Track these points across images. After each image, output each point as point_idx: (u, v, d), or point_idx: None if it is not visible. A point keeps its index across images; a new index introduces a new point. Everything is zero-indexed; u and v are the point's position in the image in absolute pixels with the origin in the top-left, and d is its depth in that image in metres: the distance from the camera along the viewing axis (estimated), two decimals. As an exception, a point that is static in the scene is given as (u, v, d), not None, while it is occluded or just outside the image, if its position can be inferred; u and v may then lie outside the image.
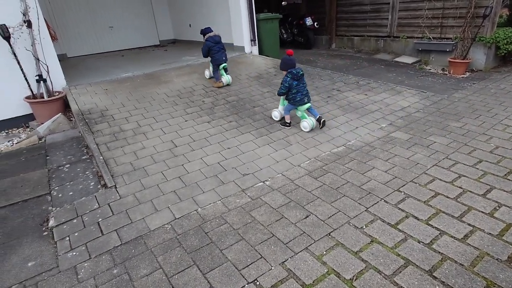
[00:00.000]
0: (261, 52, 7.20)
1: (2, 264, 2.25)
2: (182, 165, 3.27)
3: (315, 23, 8.95)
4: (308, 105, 3.87)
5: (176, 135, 3.83)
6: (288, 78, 3.72)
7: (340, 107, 4.52)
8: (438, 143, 3.45)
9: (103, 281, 2.04)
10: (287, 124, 3.96)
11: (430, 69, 6.63)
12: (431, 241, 2.14)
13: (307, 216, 2.47)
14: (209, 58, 5.31)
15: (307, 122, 3.83)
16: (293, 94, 3.75)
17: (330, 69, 6.54)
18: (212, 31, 5.22)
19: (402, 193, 2.67)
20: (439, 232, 2.21)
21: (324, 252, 2.12)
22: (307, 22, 8.89)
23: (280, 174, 3.09)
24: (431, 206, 2.48)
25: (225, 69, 5.33)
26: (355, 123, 4.05)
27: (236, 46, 7.27)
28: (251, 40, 6.93)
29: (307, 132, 3.86)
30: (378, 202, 2.58)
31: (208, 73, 5.60)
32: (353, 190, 2.76)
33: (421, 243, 2.13)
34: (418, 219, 2.35)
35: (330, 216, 2.45)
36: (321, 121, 3.83)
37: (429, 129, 3.78)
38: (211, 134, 3.83)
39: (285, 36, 9.77)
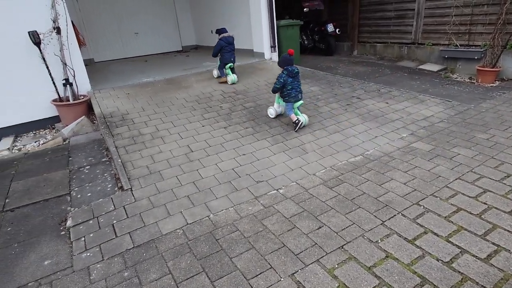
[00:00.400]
0: (281, 58, 7.19)
1: (21, 261, 2.34)
2: (197, 170, 3.29)
3: (337, 30, 8.84)
4: (301, 102, 4.07)
5: (192, 140, 3.87)
6: (284, 74, 3.93)
7: (360, 115, 4.42)
8: (462, 155, 3.29)
9: (114, 284, 2.06)
10: (296, 122, 4.01)
11: (456, 78, 6.38)
12: (451, 259, 2.02)
13: (320, 227, 2.41)
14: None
15: (299, 119, 4.03)
16: (288, 91, 3.96)
17: (350, 76, 6.44)
18: (227, 32, 5.50)
19: (422, 207, 2.56)
20: (460, 250, 2.09)
21: (336, 266, 2.05)
22: (328, 29, 8.81)
23: (294, 183, 3.04)
24: (452, 222, 2.36)
25: (232, 69, 5.65)
26: (375, 132, 3.94)
27: (256, 52, 7.30)
28: (271, 47, 6.94)
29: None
30: (395, 215, 2.48)
31: (216, 72, 5.94)
32: (369, 202, 2.67)
33: (440, 261, 2.02)
34: (437, 236, 2.23)
35: (344, 228, 2.38)
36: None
37: (453, 140, 3.62)
38: (227, 140, 3.84)
39: (306, 42, 9.72)
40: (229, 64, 5.53)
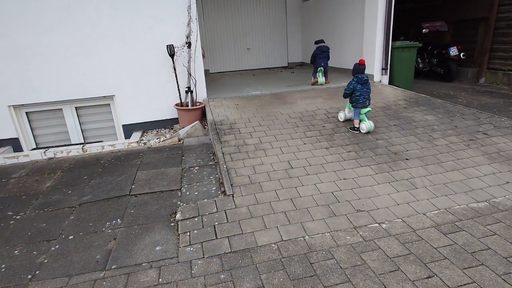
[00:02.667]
0: (391, 81, 6.76)
1: (139, 242, 2.70)
2: (295, 187, 3.30)
3: (461, 54, 7.91)
4: (368, 109, 4.45)
5: (293, 156, 3.91)
6: (354, 82, 4.40)
7: (486, 154, 3.81)
8: None
9: (211, 283, 2.20)
10: (356, 129, 4.48)
11: None
12: None
13: (429, 277, 2.13)
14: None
15: (366, 125, 4.38)
16: (357, 97, 4.38)
17: (475, 107, 5.64)
18: (323, 43, 6.57)
19: None
20: None
21: (449, 328, 1.77)
22: (451, 52, 7.94)
23: (400, 220, 2.77)
24: None
25: (325, 73, 6.70)
26: (506, 177, 3.33)
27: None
28: (382, 69, 6.59)
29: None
30: (533, 285, 2.03)
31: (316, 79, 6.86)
32: (495, 261, 2.25)
33: None
34: None
35: (461, 285, 2.05)
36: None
37: None
38: (328, 162, 3.76)
39: (420, 65, 8.94)
40: (320, 68, 6.59)
